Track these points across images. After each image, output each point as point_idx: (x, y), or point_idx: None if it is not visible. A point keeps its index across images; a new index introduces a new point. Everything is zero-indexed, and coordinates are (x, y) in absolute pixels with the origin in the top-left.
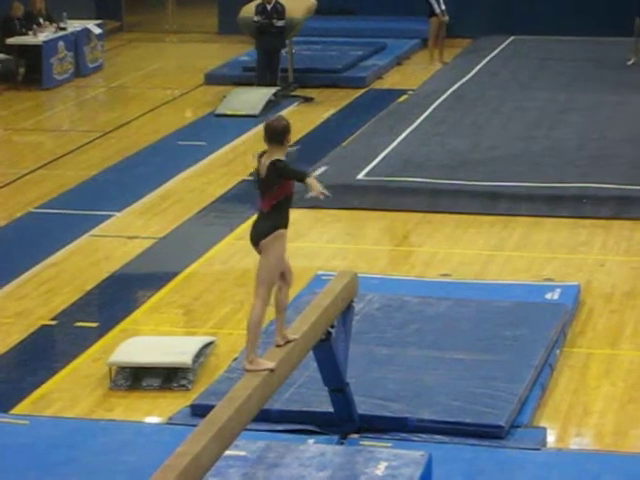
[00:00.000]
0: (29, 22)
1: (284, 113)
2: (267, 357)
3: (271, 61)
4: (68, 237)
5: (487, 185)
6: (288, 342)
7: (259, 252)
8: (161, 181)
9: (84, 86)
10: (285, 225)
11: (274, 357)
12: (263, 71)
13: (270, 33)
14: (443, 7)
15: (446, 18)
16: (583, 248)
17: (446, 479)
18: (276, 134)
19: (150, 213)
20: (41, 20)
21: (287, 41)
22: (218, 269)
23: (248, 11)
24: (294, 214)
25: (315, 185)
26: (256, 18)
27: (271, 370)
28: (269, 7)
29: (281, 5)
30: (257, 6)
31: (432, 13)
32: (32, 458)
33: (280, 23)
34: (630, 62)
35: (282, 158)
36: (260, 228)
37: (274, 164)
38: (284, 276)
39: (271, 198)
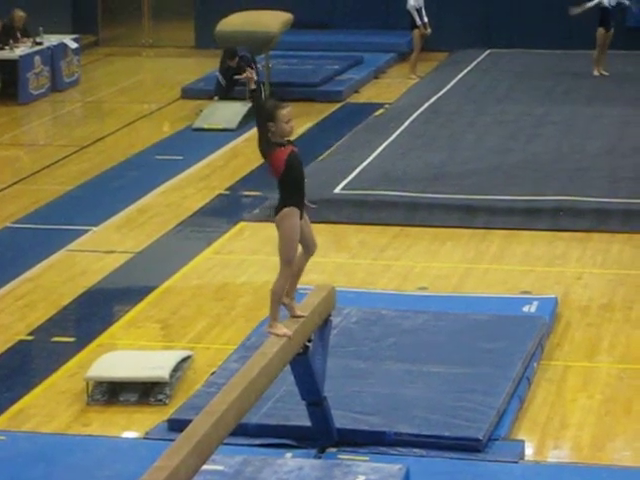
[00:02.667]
0: (6, 37)
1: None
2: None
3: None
4: (45, 252)
5: (464, 198)
6: (297, 317)
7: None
8: (138, 195)
9: (60, 101)
10: (295, 203)
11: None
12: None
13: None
14: (425, 20)
15: (428, 31)
16: (560, 261)
17: None
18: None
19: (127, 227)
20: (18, 34)
21: (264, 55)
22: (195, 283)
23: (225, 25)
24: (270, 229)
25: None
26: (221, 79)
27: (289, 337)
28: (233, 65)
29: (247, 57)
30: (222, 67)
31: (414, 25)
32: (9, 473)
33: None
34: (606, 73)
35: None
36: (277, 204)
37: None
38: (307, 247)
39: (270, 171)
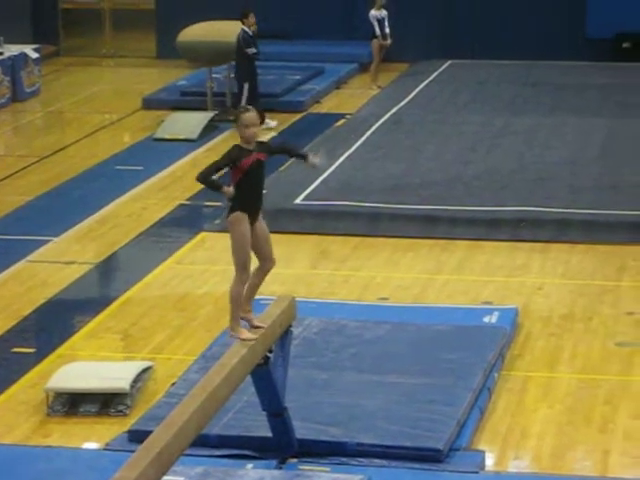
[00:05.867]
0: None
1: (222, 137)
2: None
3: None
4: (4, 262)
5: (425, 209)
6: (256, 328)
7: None
8: (98, 206)
9: (21, 111)
10: (242, 208)
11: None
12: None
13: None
14: (387, 30)
15: (387, 42)
16: (521, 271)
17: None
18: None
19: (87, 238)
20: None
21: (226, 65)
22: (156, 294)
23: (187, 35)
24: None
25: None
26: (254, 50)
27: (253, 340)
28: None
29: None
30: (247, 37)
31: (373, 35)
32: None
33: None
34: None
35: (239, 143)
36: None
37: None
38: (264, 260)
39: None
